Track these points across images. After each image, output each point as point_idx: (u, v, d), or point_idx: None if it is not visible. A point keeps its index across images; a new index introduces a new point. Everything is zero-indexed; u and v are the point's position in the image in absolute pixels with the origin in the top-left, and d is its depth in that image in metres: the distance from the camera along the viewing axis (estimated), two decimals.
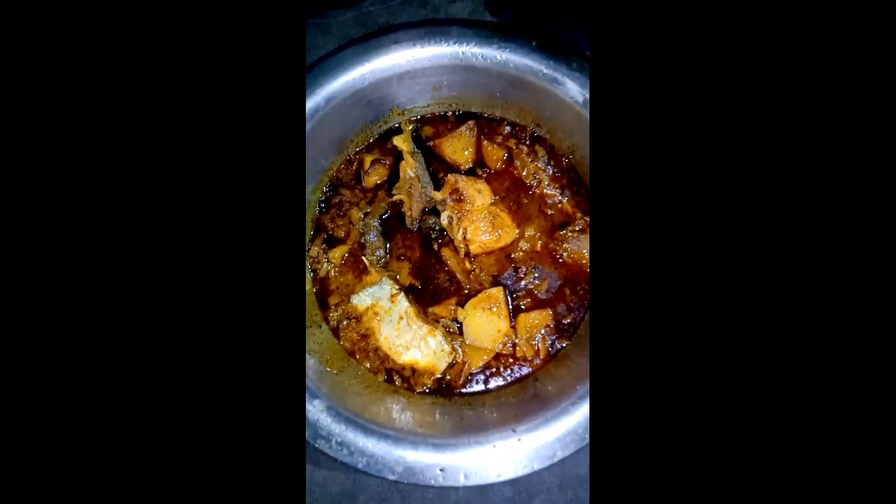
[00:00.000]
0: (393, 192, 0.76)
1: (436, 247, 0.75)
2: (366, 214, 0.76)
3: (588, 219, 0.74)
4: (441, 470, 0.60)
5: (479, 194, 0.74)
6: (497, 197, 0.76)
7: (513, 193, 0.77)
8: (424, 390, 0.70)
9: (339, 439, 0.61)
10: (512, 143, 0.78)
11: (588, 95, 0.70)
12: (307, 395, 0.62)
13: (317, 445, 0.61)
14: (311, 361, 0.66)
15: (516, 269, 0.74)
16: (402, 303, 0.71)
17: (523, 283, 0.73)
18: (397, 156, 0.77)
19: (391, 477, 0.60)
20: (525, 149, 0.77)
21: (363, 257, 0.75)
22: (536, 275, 0.74)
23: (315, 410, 0.62)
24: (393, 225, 0.77)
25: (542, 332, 0.71)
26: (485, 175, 0.77)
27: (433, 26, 0.73)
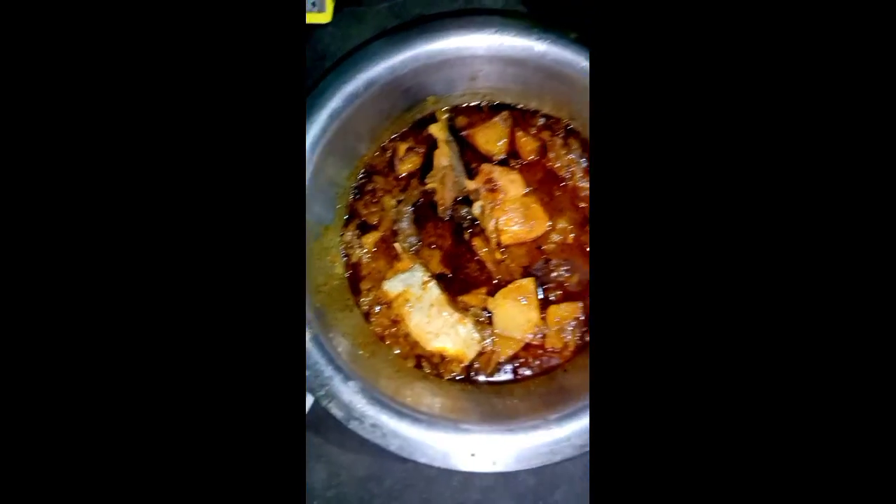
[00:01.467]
0: (426, 180, 0.76)
1: (467, 236, 0.76)
2: (399, 202, 0.76)
3: None
4: (472, 455, 0.61)
5: (512, 185, 0.74)
6: (530, 188, 0.76)
7: (545, 185, 0.77)
8: (453, 377, 0.71)
9: (372, 421, 0.61)
10: (546, 135, 0.78)
11: None
12: (342, 377, 0.63)
13: (350, 426, 0.62)
14: (345, 343, 0.67)
15: (547, 261, 0.74)
16: (434, 290, 0.72)
17: (553, 274, 0.74)
18: (431, 145, 0.78)
19: (422, 460, 0.61)
20: (559, 141, 0.77)
21: (395, 244, 0.75)
22: (567, 267, 0.74)
23: (350, 391, 0.62)
24: (425, 213, 0.77)
25: (572, 324, 0.72)
26: (517, 166, 0.78)
27: (473, 16, 0.73)
